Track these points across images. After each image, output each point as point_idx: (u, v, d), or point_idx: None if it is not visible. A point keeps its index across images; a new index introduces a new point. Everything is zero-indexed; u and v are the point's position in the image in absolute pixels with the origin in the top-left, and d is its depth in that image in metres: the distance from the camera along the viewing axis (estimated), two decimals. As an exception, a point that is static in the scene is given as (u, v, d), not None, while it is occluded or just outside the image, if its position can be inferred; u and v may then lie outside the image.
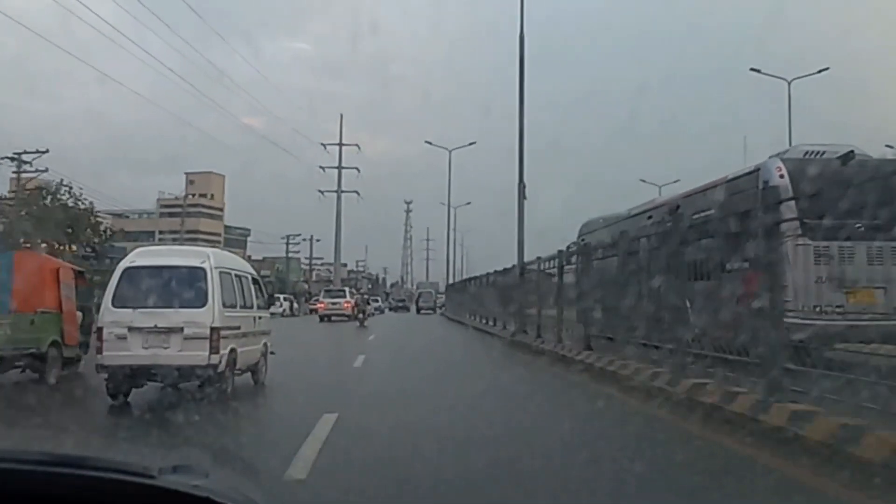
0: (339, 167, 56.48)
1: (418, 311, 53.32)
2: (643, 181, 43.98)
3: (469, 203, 64.46)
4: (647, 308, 10.02)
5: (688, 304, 8.49)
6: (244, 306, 9.93)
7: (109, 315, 8.73)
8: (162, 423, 7.41)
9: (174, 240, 69.97)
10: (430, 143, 53.91)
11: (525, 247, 20.15)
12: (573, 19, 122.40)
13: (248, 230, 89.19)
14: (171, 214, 75.96)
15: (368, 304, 37.74)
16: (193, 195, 79.74)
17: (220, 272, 9.22)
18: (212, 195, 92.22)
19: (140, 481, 1.38)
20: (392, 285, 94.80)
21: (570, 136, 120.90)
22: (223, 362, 8.77)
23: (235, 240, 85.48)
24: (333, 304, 38.19)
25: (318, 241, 70.94)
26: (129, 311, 8.65)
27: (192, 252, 9.79)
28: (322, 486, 4.68)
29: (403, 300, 69.97)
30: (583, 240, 16.30)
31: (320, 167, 56.08)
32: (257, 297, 10.67)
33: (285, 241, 72.53)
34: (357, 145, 59.02)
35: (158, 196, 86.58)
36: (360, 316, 30.97)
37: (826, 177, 8.46)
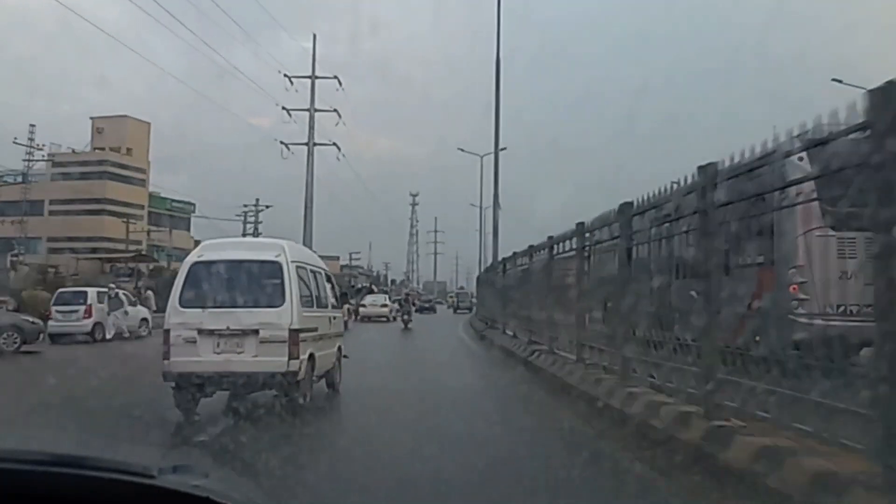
0: (312, 109, 41.07)
1: (455, 310, 56.75)
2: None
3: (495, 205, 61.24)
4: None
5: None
6: (320, 305, 9.16)
7: (177, 316, 7.91)
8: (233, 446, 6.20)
9: (67, 211, 56.94)
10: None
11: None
12: (573, 19, 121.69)
13: (192, 204, 65.80)
14: (65, 176, 58.27)
15: (415, 304, 35.45)
16: (102, 149, 61.10)
17: (297, 266, 8.41)
18: (128, 150, 62.84)
19: (140, 481, 1.40)
20: (399, 282, 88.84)
21: (570, 135, 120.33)
22: (302, 369, 7.93)
23: (170, 216, 64.10)
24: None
25: (268, 208, 58.93)
26: (199, 311, 7.86)
27: (266, 244, 8.99)
28: None
29: (430, 300, 61.93)
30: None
31: (283, 108, 40.13)
32: (331, 295, 9.87)
33: (242, 216, 59.42)
34: (337, 78, 41.66)
35: (48, 150, 56.62)
36: (406, 318, 28.13)
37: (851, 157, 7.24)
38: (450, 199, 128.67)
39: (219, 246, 8.84)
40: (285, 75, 40.15)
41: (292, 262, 8.27)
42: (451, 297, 69.48)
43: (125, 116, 63.00)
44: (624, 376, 7.69)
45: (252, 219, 60.44)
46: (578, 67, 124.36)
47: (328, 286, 9.72)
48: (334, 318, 9.94)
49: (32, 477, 1.40)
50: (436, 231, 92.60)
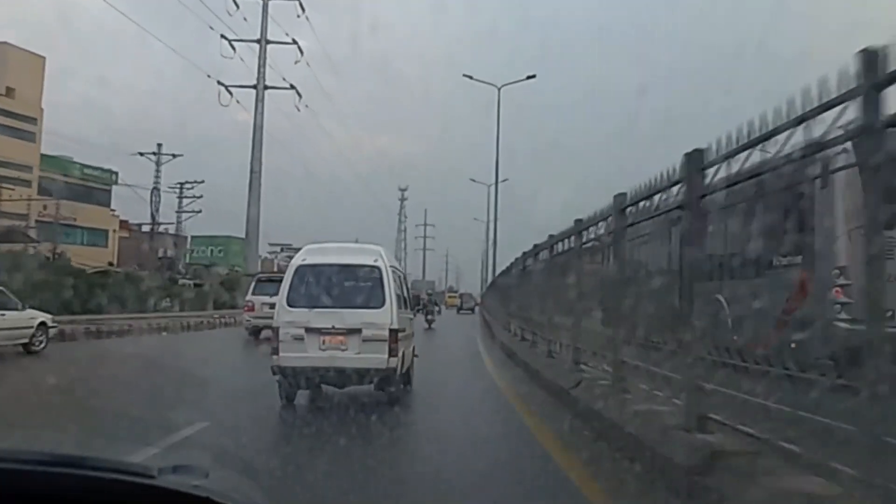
0: (263, 40, 32.60)
1: (458, 310, 56.72)
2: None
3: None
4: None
5: None
6: (407, 307, 9.89)
7: (285, 314, 8.59)
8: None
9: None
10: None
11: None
12: (574, 17, 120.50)
13: (113, 173, 52.54)
14: None
15: (437, 304, 34.87)
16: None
17: (392, 270, 9.09)
18: (8, 90, 46.53)
19: (140, 481, 1.40)
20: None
21: (570, 135, 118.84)
22: (398, 365, 8.61)
23: (84, 186, 50.28)
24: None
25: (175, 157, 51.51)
26: (306, 310, 8.54)
27: (364, 250, 9.61)
28: None
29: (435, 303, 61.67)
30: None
31: (224, 38, 31.72)
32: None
33: (177, 189, 52.19)
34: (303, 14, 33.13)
35: None
36: (430, 317, 28.58)
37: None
38: (441, 199, 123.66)
39: (320, 250, 9.46)
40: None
41: (389, 266, 8.99)
42: (454, 296, 68.09)
43: (4, 44, 46.45)
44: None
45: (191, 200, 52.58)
46: (579, 66, 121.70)
47: (405, 288, 10.36)
48: (411, 318, 10.72)
49: (32, 477, 1.40)
50: (425, 225, 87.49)
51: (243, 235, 39.64)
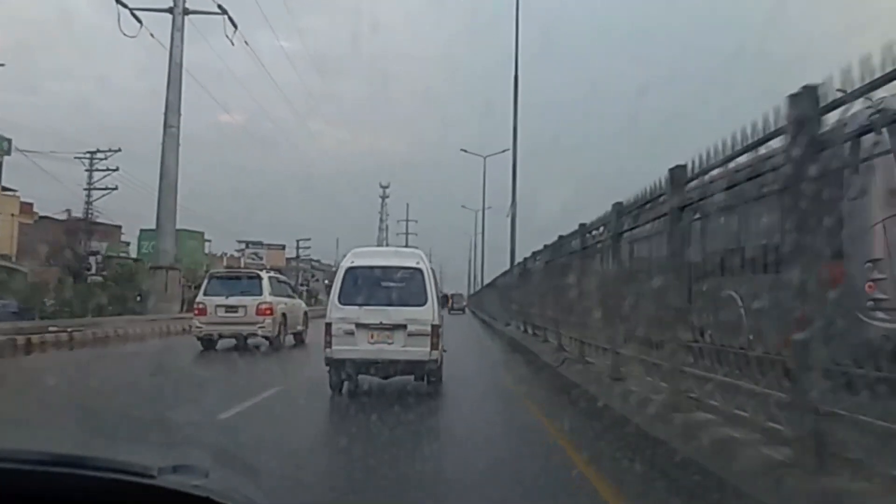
0: None
1: (449, 310, 57.72)
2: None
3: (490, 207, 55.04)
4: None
5: None
6: (442, 304, 10.80)
7: (337, 312, 9.45)
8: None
9: None
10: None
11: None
12: (574, 16, 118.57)
13: (4, 139, 36.10)
14: None
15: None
16: None
17: (431, 271, 10.01)
18: None
19: (140, 481, 1.40)
20: None
21: (570, 134, 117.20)
22: (439, 357, 9.60)
23: None
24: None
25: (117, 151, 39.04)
26: (356, 308, 9.37)
27: (406, 253, 10.92)
28: None
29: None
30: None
31: None
32: None
33: (88, 158, 38.96)
34: None
35: None
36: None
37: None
38: (425, 195, 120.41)
39: (367, 254, 10.50)
40: None
41: (429, 268, 9.95)
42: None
43: None
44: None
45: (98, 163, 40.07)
46: (582, 64, 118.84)
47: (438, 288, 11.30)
48: (443, 315, 11.60)
49: (32, 477, 1.41)
50: (407, 220, 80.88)
51: (200, 229, 35.01)
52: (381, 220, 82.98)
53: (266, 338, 16.35)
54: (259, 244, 61.99)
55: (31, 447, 1.55)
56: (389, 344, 9.26)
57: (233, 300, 16.38)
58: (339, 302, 9.49)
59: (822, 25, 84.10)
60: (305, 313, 19.36)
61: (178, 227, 31.21)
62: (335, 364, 9.29)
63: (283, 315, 17.07)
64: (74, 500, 1.42)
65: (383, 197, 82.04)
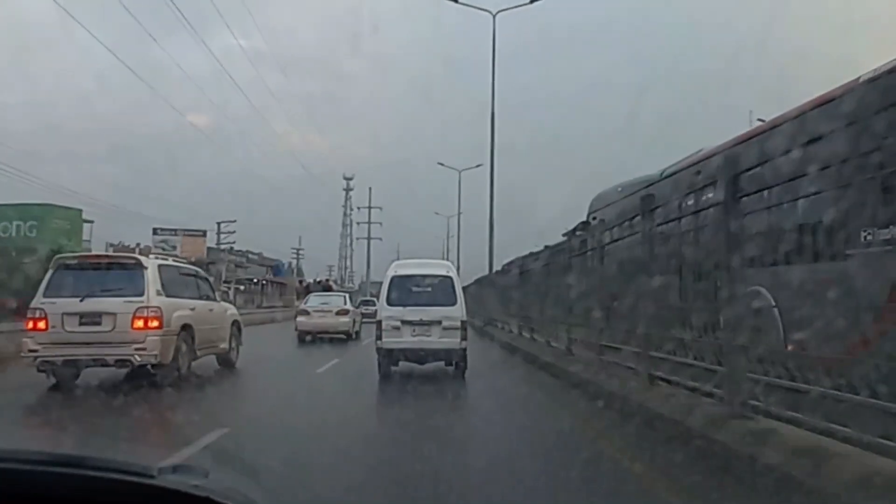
0: None
1: None
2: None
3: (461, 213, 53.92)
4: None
5: None
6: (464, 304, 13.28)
7: (386, 312, 11.88)
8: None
9: None
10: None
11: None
12: (575, 14, 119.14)
13: None
14: None
15: None
16: None
17: (458, 278, 12.55)
18: None
19: (140, 481, 1.41)
20: (317, 281, 51.07)
21: (571, 133, 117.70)
22: (467, 347, 12.04)
23: None
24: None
25: None
26: (401, 308, 11.79)
27: (438, 264, 13.59)
28: None
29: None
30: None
31: None
32: None
33: None
34: None
35: None
36: None
37: None
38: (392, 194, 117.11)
39: (406, 265, 12.95)
40: None
41: (457, 276, 12.56)
42: None
43: None
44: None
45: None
46: (577, 63, 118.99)
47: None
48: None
49: (32, 477, 1.41)
50: (370, 207, 73.51)
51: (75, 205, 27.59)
52: (345, 215, 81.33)
53: (152, 366, 10.10)
54: (172, 232, 49.49)
55: (30, 447, 1.55)
56: (428, 336, 11.64)
57: (91, 304, 10.11)
58: (388, 304, 11.91)
59: (823, 25, 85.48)
60: (236, 322, 13.55)
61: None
62: (385, 353, 11.63)
63: (185, 328, 10.88)
64: (74, 500, 1.42)
65: (347, 189, 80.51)
